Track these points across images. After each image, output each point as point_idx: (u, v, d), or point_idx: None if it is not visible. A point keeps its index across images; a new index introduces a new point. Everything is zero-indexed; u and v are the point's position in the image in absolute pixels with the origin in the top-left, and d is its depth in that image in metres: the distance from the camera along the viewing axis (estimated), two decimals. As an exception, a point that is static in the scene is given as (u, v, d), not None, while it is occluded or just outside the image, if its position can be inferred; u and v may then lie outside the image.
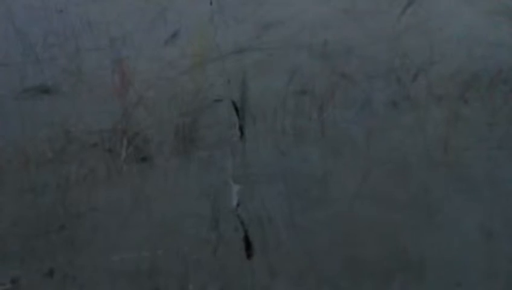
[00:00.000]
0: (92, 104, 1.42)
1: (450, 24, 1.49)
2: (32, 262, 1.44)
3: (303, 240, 1.52)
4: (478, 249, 1.54)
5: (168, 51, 1.43)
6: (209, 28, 1.44)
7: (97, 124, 1.43)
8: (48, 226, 1.43)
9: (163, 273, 1.49)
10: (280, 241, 1.52)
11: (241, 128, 1.48)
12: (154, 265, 1.48)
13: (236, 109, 1.47)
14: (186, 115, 1.45)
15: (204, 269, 1.50)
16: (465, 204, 1.54)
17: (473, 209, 1.54)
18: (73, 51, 1.40)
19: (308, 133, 1.50)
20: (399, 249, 1.54)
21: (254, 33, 1.45)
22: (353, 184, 1.52)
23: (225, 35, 1.44)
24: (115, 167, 1.44)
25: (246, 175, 1.49)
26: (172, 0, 1.43)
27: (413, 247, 1.54)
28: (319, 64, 1.48)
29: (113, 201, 1.45)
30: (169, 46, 1.43)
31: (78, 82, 1.41)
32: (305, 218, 1.52)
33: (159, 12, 1.42)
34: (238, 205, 1.50)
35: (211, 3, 1.43)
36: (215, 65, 1.45)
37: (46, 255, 1.44)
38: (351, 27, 1.47)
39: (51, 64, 1.40)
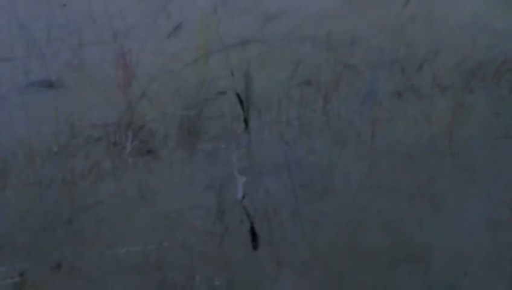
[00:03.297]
0: (96, 98, 1.42)
1: (454, 13, 1.47)
2: (39, 255, 1.45)
3: (308, 231, 1.53)
4: (484, 239, 1.54)
5: (171, 43, 1.42)
6: (212, 20, 1.43)
7: (102, 118, 1.43)
8: (54, 220, 1.44)
9: (169, 265, 1.50)
10: (285, 233, 1.52)
11: (245, 120, 1.47)
12: (160, 257, 1.49)
13: (241, 101, 1.47)
14: (190, 107, 1.45)
15: (210, 261, 1.51)
16: (471, 194, 1.53)
17: (478, 199, 1.54)
18: (76, 45, 1.39)
19: (313, 124, 1.49)
20: (404, 240, 1.54)
21: (257, 25, 1.44)
22: (358, 175, 1.52)
23: (228, 27, 1.43)
24: (120, 160, 1.45)
25: (251, 167, 1.49)
26: (174, -8, 1.42)
27: (418, 237, 1.54)
28: (323, 55, 1.47)
29: (118, 194, 1.46)
30: (172, 38, 1.42)
31: (81, 76, 1.41)
32: (310, 209, 1.52)
33: (162, 5, 1.41)
34: (243, 196, 1.50)
35: (213, -5, 1.43)
36: (218, 57, 1.45)
37: (53, 248, 1.45)
38: (355, 17, 1.46)
39: (54, 58, 1.40)
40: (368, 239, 1.54)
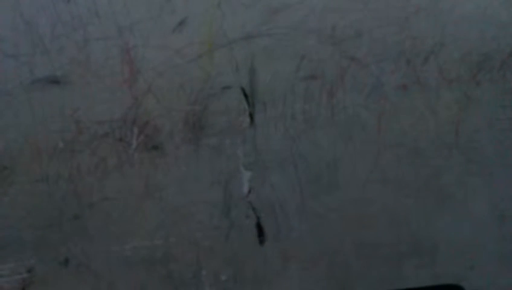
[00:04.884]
0: (101, 94, 1.42)
1: (460, 5, 1.46)
2: (47, 251, 1.45)
3: (314, 225, 1.53)
4: (490, 232, 1.54)
5: (175, 39, 1.42)
6: (217, 14, 1.43)
7: (107, 114, 1.43)
8: (61, 216, 1.45)
9: (176, 260, 1.50)
10: (292, 227, 1.52)
11: (250, 115, 1.47)
12: (167, 252, 1.49)
13: (246, 96, 1.46)
14: (195, 102, 1.45)
15: (216, 256, 1.51)
16: (477, 187, 1.53)
17: (485, 192, 1.53)
18: (81, 40, 1.39)
19: (318, 118, 1.49)
20: (411, 233, 1.54)
21: (262, 19, 1.44)
22: (364, 169, 1.52)
23: (233, 21, 1.43)
24: (126, 156, 1.45)
25: (256, 161, 1.49)
26: (178, -13, 1.42)
27: (425, 231, 1.54)
28: (328, 49, 1.46)
29: (125, 190, 1.46)
30: (177, 34, 1.42)
31: (86, 72, 1.41)
32: (316, 203, 1.52)
33: (166, 0, 1.41)
34: (249, 191, 1.50)
35: (217, -10, 1.42)
36: (223, 52, 1.44)
37: (60, 244, 1.45)
38: (360, 10, 1.45)
39: (59, 54, 1.39)
40: (374, 233, 1.54)
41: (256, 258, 1.52)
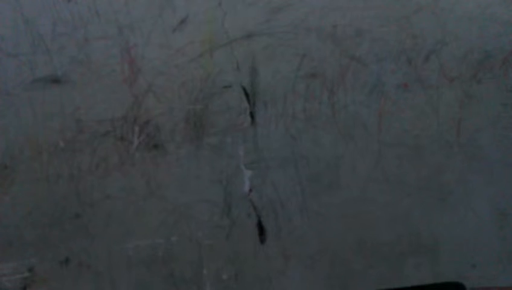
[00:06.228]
0: (102, 93, 1.42)
1: (461, 3, 1.46)
2: (48, 250, 1.46)
3: (315, 224, 1.53)
4: (492, 230, 1.54)
5: (176, 38, 1.42)
6: (218, 13, 1.43)
7: (108, 113, 1.43)
8: (62, 215, 1.45)
9: (177, 259, 1.50)
10: (293, 226, 1.52)
11: (251, 114, 1.47)
12: (168, 251, 1.49)
13: (247, 95, 1.46)
14: (196, 101, 1.45)
15: (218, 255, 1.51)
16: (479, 185, 1.53)
17: (486, 190, 1.53)
18: (82, 40, 1.39)
19: (319, 117, 1.49)
20: (412, 232, 1.54)
21: (263, 18, 1.44)
22: (365, 167, 1.52)
23: (233, 20, 1.43)
24: (127, 154, 1.45)
25: (257, 160, 1.49)
26: (179, -14, 1.42)
27: (426, 229, 1.54)
28: (328, 48, 1.46)
29: (126, 189, 1.46)
30: (178, 33, 1.42)
31: (87, 71, 1.41)
32: (317, 202, 1.52)
33: (167, -1, 1.41)
34: (250, 190, 1.50)
35: (218, -12, 1.42)
36: (224, 51, 1.44)
37: (61, 243, 1.46)
38: (361, 9, 1.45)
39: (60, 53, 1.40)
40: (375, 232, 1.53)
41: (257, 257, 1.52)
